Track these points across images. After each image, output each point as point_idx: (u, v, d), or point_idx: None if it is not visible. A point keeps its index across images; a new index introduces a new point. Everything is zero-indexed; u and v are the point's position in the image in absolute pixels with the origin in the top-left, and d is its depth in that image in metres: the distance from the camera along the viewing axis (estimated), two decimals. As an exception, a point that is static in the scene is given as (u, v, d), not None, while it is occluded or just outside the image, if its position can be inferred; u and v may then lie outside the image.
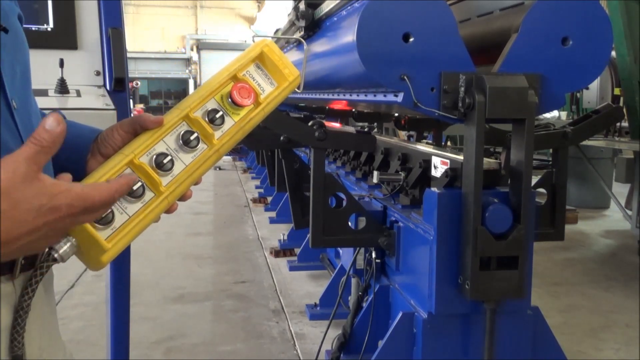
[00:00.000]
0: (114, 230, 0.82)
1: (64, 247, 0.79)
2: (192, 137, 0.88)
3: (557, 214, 2.38)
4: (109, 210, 0.81)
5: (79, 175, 0.89)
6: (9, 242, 0.69)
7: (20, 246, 0.70)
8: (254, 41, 1.03)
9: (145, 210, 0.85)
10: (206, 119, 0.90)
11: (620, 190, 6.99)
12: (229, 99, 0.92)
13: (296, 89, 1.03)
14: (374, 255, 2.61)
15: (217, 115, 0.90)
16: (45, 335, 0.91)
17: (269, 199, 7.25)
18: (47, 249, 0.81)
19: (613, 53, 5.64)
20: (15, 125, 0.82)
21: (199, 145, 0.89)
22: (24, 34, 0.89)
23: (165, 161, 0.86)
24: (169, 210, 0.90)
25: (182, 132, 0.89)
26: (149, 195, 0.85)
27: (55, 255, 0.79)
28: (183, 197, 0.91)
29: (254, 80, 0.96)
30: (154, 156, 0.86)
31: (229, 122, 0.92)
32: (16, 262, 0.82)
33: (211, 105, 0.92)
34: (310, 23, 2.66)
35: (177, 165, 0.88)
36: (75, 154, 0.92)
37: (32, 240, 0.71)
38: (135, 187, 0.83)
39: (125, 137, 0.91)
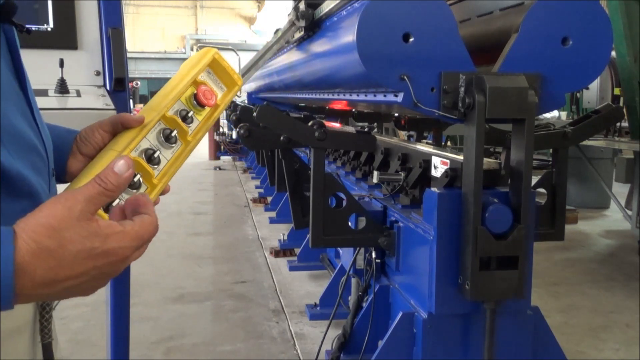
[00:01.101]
0: None
1: None
2: (172, 134, 0.96)
3: (557, 214, 2.38)
4: (117, 201, 0.85)
5: (59, 175, 0.92)
6: (54, 283, 0.64)
7: (65, 288, 0.66)
8: (196, 50, 1.13)
9: None
10: (179, 117, 0.98)
11: (620, 190, 7.00)
12: (194, 101, 1.01)
13: (237, 94, 1.15)
14: (374, 255, 2.61)
15: (189, 115, 0.99)
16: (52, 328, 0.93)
17: (269, 199, 7.24)
18: None
19: (613, 53, 5.64)
20: (36, 124, 0.84)
21: (177, 142, 0.98)
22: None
23: (155, 156, 0.93)
24: (154, 204, 0.95)
25: (163, 130, 0.96)
26: (143, 188, 0.91)
27: None
28: (163, 191, 0.97)
29: (209, 84, 1.05)
30: (144, 151, 0.93)
31: (195, 122, 1.01)
32: None
33: (179, 106, 1.00)
34: (310, 23, 2.66)
35: (162, 160, 0.96)
36: (55, 155, 0.94)
37: (79, 283, 0.66)
38: (134, 180, 0.89)
39: (105, 137, 0.95)
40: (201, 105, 1.01)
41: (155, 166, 0.93)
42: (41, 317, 0.83)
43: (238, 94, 1.16)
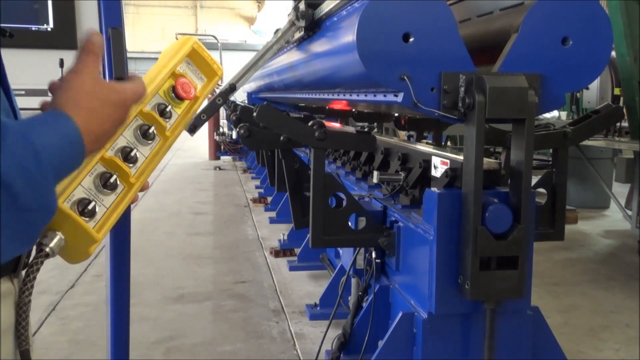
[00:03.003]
0: (97, 222, 0.86)
1: (54, 241, 0.82)
2: (150, 131, 0.93)
3: (557, 214, 2.38)
4: (93, 203, 0.85)
5: None
6: (100, 137, 0.79)
7: (106, 139, 0.81)
8: (176, 39, 1.10)
9: (120, 201, 0.90)
10: (157, 112, 0.95)
11: (620, 190, 7.00)
12: (172, 94, 0.98)
13: (218, 83, 1.12)
14: (374, 255, 2.61)
15: (167, 109, 0.96)
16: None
17: (269, 199, 7.24)
18: (37, 245, 0.83)
19: (613, 53, 5.64)
20: None
21: (155, 138, 0.95)
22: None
23: (132, 154, 0.91)
24: (133, 200, 0.95)
25: (140, 126, 0.93)
26: (120, 187, 0.90)
27: (47, 250, 0.82)
28: (142, 187, 0.96)
29: (188, 75, 1.02)
30: (120, 150, 0.91)
31: (174, 115, 0.98)
32: (20, 260, 0.83)
33: (157, 100, 0.97)
34: (310, 23, 2.66)
35: (140, 157, 0.93)
36: None
37: (112, 131, 0.81)
38: (111, 180, 0.88)
39: None
40: (180, 99, 0.98)
41: (132, 165, 0.91)
42: (17, 324, 0.82)
43: (219, 82, 1.13)
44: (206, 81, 1.04)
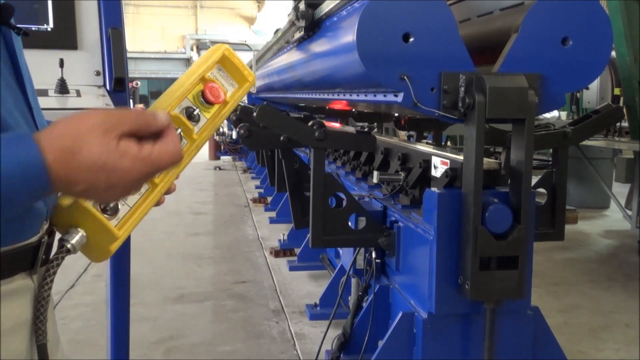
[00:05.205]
0: (119, 220, 0.89)
1: (76, 238, 0.85)
2: (176, 133, 0.94)
3: (557, 214, 2.38)
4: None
5: None
6: (68, 183, 0.70)
7: (82, 191, 0.72)
8: (197, 50, 1.12)
9: (143, 201, 0.92)
10: (184, 116, 0.97)
11: (620, 190, 7.00)
12: (202, 98, 1.00)
13: (250, 90, 1.11)
14: (374, 255, 2.61)
15: (195, 113, 0.98)
16: (53, 328, 0.94)
17: (269, 199, 7.25)
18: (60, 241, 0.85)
19: (613, 53, 5.64)
20: (35, 126, 0.85)
21: (182, 140, 0.96)
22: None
23: None
24: (158, 203, 0.97)
25: None
26: (144, 187, 0.92)
27: (68, 246, 0.84)
28: (168, 191, 0.98)
29: (218, 81, 1.04)
30: None
31: (203, 119, 1.00)
32: (37, 257, 0.85)
33: (186, 103, 0.98)
34: (310, 23, 2.66)
35: None
36: None
37: (90, 189, 0.72)
38: None
39: None
40: (209, 103, 1.00)
41: None
42: (35, 318, 0.83)
43: (252, 89, 1.13)
44: (237, 87, 1.06)
